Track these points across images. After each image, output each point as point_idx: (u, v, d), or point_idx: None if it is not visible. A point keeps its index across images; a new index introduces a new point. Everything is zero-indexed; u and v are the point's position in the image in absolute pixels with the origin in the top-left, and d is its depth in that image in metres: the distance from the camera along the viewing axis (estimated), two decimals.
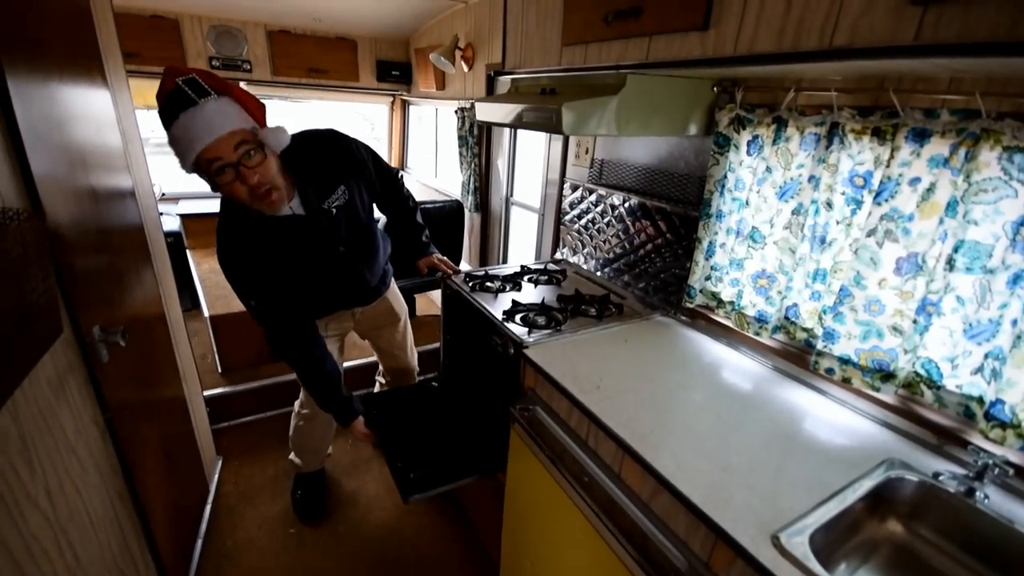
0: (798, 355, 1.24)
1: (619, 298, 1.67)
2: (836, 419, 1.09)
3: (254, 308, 1.40)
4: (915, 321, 0.98)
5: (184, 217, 3.43)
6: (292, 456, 1.96)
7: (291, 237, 1.35)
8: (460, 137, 2.81)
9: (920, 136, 0.93)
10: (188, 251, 3.27)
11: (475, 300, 1.58)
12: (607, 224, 1.82)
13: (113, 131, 1.38)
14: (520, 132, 2.57)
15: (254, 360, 2.58)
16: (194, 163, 1.14)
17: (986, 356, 0.93)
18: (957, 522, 0.88)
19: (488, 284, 1.71)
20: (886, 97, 0.97)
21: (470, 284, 1.71)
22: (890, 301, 1.01)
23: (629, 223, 1.72)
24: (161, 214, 1.83)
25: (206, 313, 2.50)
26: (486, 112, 1.52)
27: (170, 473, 1.55)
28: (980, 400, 0.94)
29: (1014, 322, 0.88)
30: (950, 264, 0.92)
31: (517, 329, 1.39)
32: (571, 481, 1.08)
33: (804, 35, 0.80)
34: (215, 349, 2.56)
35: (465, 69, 2.73)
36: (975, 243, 0.90)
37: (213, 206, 3.66)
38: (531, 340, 1.33)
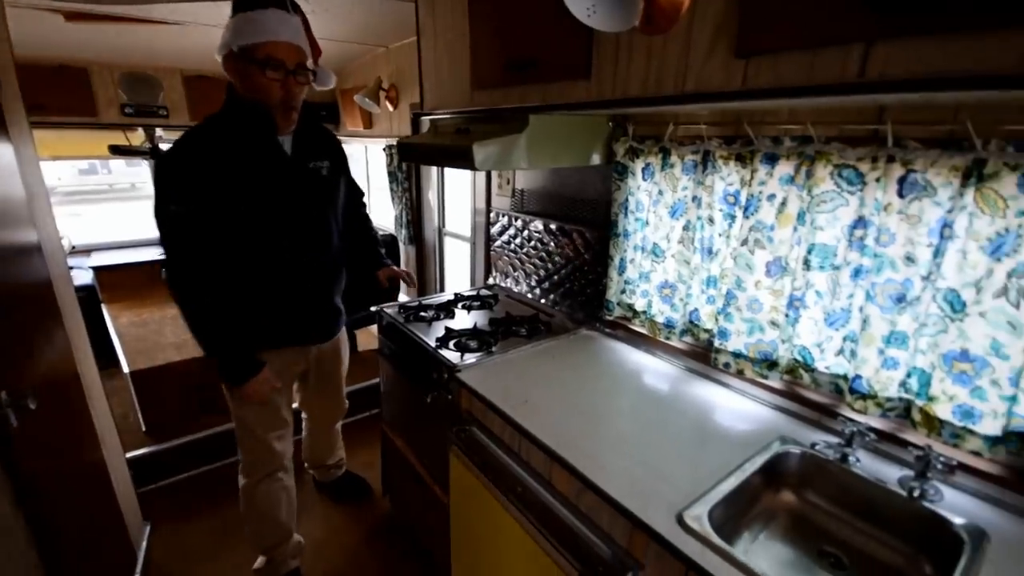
0: (703, 354, 1.38)
1: (548, 317, 1.77)
2: (738, 407, 1.22)
3: (173, 214, 1.28)
4: (787, 315, 1.14)
5: (97, 270, 3.23)
6: (258, 563, 1.72)
7: (269, 169, 1.36)
8: (390, 173, 2.88)
9: (771, 159, 1.10)
10: (103, 305, 3.07)
11: (409, 330, 1.63)
12: (533, 248, 1.94)
13: (15, 185, 1.33)
14: (447, 168, 2.68)
15: (180, 416, 2.45)
16: (250, 47, 1.25)
17: (844, 339, 1.10)
18: (837, 485, 1.01)
19: (422, 313, 1.76)
20: (743, 128, 1.15)
21: (404, 315, 1.75)
22: (766, 299, 1.17)
23: (552, 246, 1.84)
24: (72, 268, 1.74)
25: (125, 369, 2.36)
26: (408, 151, 1.60)
27: (89, 544, 1.45)
28: (845, 377, 1.10)
29: (860, 309, 1.05)
30: (807, 264, 1.09)
31: (450, 354, 1.45)
32: (507, 493, 1.14)
33: (663, 83, 0.95)
34: (137, 407, 2.41)
35: (390, 109, 2.82)
36: (823, 245, 1.08)
37: (129, 256, 3.50)
38: (464, 364, 1.39)
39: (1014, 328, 0.85)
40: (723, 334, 1.25)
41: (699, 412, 1.21)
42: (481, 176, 2.18)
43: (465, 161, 1.26)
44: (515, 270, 2.07)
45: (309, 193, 1.45)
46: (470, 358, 1.43)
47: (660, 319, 1.44)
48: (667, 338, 1.43)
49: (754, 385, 1.26)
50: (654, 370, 1.41)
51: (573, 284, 1.78)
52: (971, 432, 0.92)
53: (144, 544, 1.93)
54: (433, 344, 1.51)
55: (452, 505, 1.40)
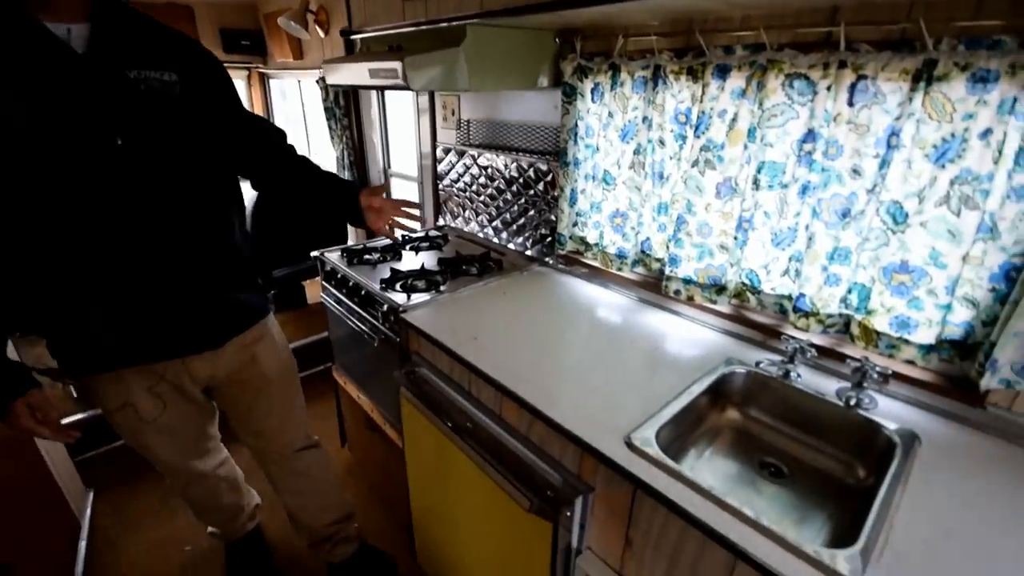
0: (655, 283, 1.36)
1: (499, 255, 1.71)
2: (688, 334, 1.22)
3: None
4: (736, 238, 1.12)
5: None
6: (211, 529, 1.59)
7: (39, 75, 0.83)
8: (327, 109, 2.65)
9: (723, 72, 1.04)
10: None
11: (353, 274, 1.54)
12: (483, 185, 1.84)
13: None
14: (388, 100, 2.48)
15: None
16: None
17: (790, 259, 1.09)
18: (778, 400, 1.04)
19: (367, 256, 1.66)
20: (695, 39, 1.07)
21: (347, 258, 1.65)
22: (715, 223, 1.15)
23: (502, 181, 1.75)
24: None
25: None
26: (336, 75, 1.44)
27: (23, 515, 1.36)
28: (789, 297, 1.11)
29: (807, 227, 1.04)
30: (756, 184, 1.06)
31: (396, 296, 1.37)
32: (458, 431, 1.11)
33: None
34: None
35: (321, 35, 2.54)
36: (772, 163, 1.04)
37: None
38: (410, 304, 1.32)
39: (953, 236, 0.85)
40: (673, 261, 1.23)
41: (650, 341, 1.20)
42: (425, 116, 2.02)
43: (397, 79, 1.14)
44: (465, 209, 1.97)
45: (118, 106, 0.90)
46: (417, 298, 1.36)
47: (612, 250, 1.40)
48: (619, 269, 1.40)
49: (703, 311, 1.25)
50: (606, 303, 1.39)
51: (526, 220, 1.71)
52: (906, 342, 0.94)
53: (88, 511, 1.84)
54: (378, 286, 1.43)
55: (406, 447, 1.38)
